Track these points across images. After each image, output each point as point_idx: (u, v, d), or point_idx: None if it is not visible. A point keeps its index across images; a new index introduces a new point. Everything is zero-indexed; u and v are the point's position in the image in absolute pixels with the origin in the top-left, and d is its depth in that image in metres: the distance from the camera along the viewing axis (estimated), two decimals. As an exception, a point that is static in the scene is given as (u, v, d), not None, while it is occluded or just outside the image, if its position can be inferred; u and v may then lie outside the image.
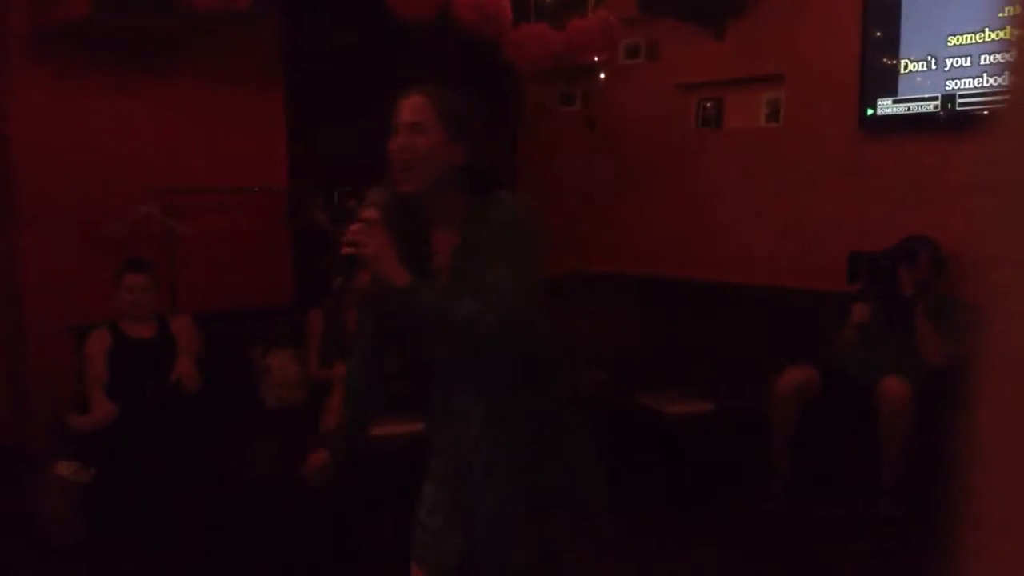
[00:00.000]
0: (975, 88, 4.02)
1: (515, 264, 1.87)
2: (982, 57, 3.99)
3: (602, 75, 5.30)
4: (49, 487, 3.22)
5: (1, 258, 4.18)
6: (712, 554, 3.56)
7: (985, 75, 3.98)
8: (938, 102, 4.13)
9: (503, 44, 4.69)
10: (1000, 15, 3.91)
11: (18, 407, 4.17)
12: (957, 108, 4.07)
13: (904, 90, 4.25)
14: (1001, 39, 3.92)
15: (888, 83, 4.29)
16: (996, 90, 3.94)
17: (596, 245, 5.53)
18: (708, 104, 5.09)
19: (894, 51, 4.27)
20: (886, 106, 4.31)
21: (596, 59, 5.04)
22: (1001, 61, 3.92)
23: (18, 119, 4.13)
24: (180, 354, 3.63)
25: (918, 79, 4.20)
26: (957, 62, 4.07)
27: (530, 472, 2.00)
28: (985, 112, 3.98)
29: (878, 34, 4.31)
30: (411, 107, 1.94)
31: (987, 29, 3.97)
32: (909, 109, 4.24)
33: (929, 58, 4.16)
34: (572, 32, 4.87)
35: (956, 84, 4.08)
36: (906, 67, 4.24)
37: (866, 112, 4.37)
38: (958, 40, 4.06)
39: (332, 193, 4.82)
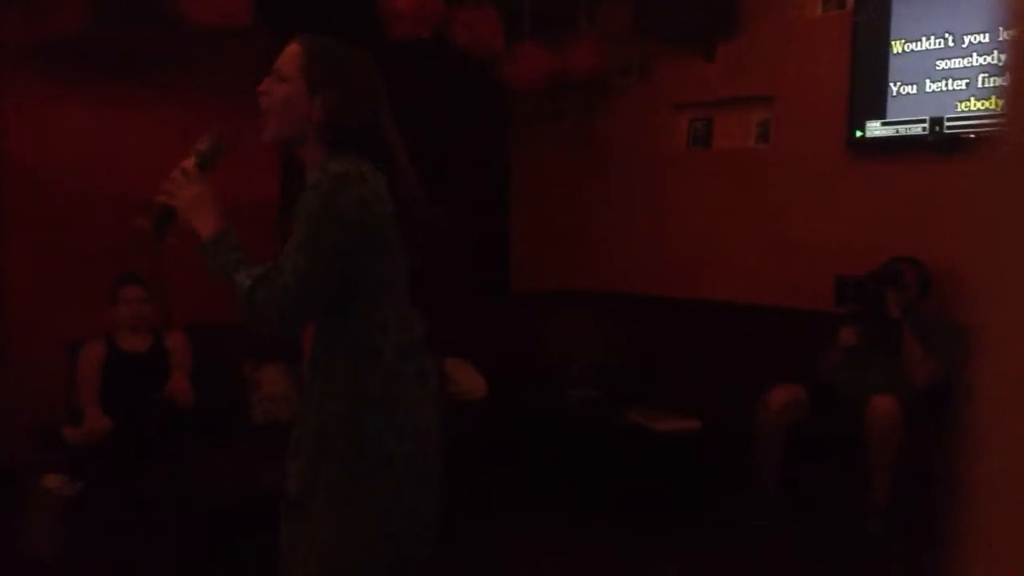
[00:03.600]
0: (963, 111, 4.07)
1: (303, 244, 1.71)
2: (970, 81, 4.04)
3: (594, 95, 5.34)
4: (35, 500, 3.21)
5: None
6: (697, 571, 3.57)
7: (973, 99, 4.03)
8: (926, 125, 4.18)
9: (496, 63, 4.73)
10: (987, 40, 3.98)
11: (7, 421, 4.15)
12: (945, 131, 4.12)
13: (893, 113, 4.29)
14: (989, 63, 3.97)
15: (877, 105, 4.34)
16: (984, 113, 3.99)
17: (586, 262, 5.55)
18: (698, 124, 5.13)
19: (883, 74, 4.32)
20: (874, 128, 4.35)
21: (588, 78, 5.08)
22: (989, 85, 3.97)
23: (10, 132, 4.13)
24: (174, 369, 3.62)
25: (906, 102, 4.25)
26: (945, 85, 4.12)
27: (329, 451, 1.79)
28: (972, 135, 4.03)
29: (867, 56, 4.36)
30: (283, 54, 1.87)
31: (975, 54, 4.03)
32: (897, 131, 4.28)
33: (918, 81, 4.21)
34: (564, 51, 4.91)
35: (944, 107, 4.12)
36: (895, 90, 4.29)
37: (854, 134, 4.42)
38: (947, 64, 4.12)
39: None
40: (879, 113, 4.34)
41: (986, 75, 3.99)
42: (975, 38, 4.02)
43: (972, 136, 4.04)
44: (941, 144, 4.14)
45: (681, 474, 4.05)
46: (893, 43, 4.29)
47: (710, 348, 4.73)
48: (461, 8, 4.41)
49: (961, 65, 4.07)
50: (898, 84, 4.28)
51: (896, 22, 4.27)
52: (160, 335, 3.73)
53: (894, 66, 4.29)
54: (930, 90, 4.18)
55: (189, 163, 1.88)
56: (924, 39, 4.19)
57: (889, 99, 4.31)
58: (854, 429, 3.68)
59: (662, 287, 5.16)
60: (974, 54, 4.03)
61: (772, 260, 4.75)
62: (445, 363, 4.52)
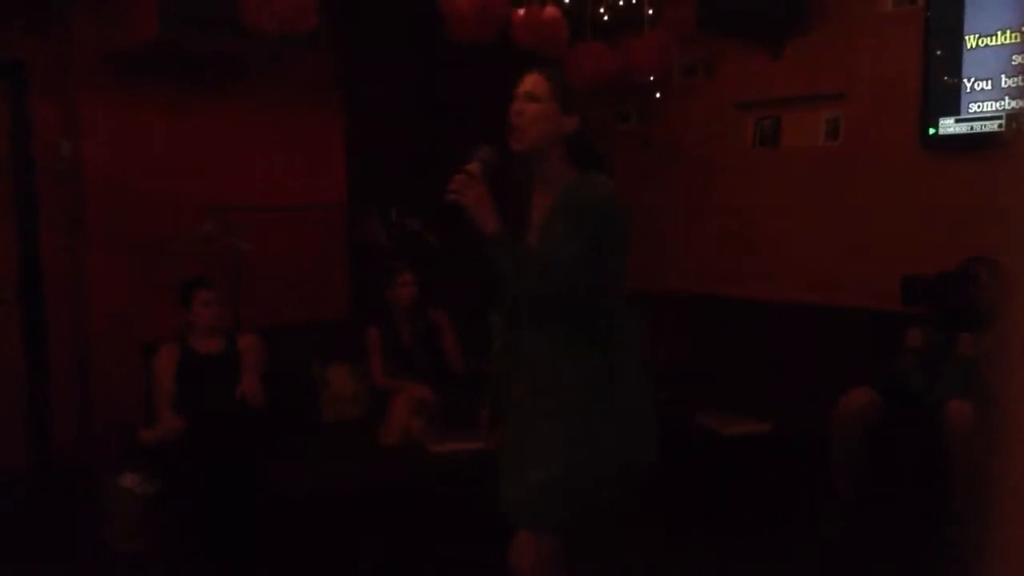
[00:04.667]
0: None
1: (580, 239, 2.08)
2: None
3: (657, 94, 5.30)
4: (116, 499, 3.30)
5: (70, 276, 4.30)
6: (770, 577, 3.52)
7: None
8: (1003, 121, 4.06)
9: (560, 63, 4.72)
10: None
11: (87, 422, 4.27)
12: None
13: (967, 109, 4.19)
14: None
15: (951, 102, 4.24)
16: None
17: (653, 263, 5.51)
18: (766, 123, 5.06)
19: (957, 70, 4.21)
20: (948, 125, 4.25)
21: (652, 78, 5.05)
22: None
23: (88, 140, 4.25)
24: (245, 371, 3.69)
25: (982, 98, 4.14)
26: (1022, 81, 4.01)
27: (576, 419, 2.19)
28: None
29: (940, 52, 4.26)
30: (530, 81, 2.21)
31: (1053, 47, 3.91)
32: (972, 128, 4.18)
33: (993, 76, 4.10)
34: (628, 51, 4.88)
35: (1021, 103, 4.01)
36: (969, 86, 4.18)
37: (928, 131, 4.32)
38: (1023, 58, 4.00)
39: (390, 211, 4.88)
40: (953, 110, 4.23)
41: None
42: (1054, 31, 3.91)
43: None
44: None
45: (752, 478, 3.99)
46: (967, 38, 4.18)
47: (779, 349, 4.66)
48: (524, 9, 4.41)
49: (1039, 60, 3.96)
50: (972, 80, 4.17)
51: (970, 16, 4.17)
52: (233, 337, 3.80)
53: (968, 61, 4.19)
54: (1006, 86, 4.06)
55: (473, 167, 2.14)
56: (1000, 33, 4.08)
57: (963, 95, 4.20)
58: (932, 433, 3.59)
59: (729, 288, 5.11)
60: (1053, 48, 3.91)
61: (843, 260, 4.66)
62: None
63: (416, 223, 4.83)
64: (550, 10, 4.48)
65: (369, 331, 4.25)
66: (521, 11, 4.41)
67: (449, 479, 3.58)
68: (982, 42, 4.13)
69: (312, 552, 3.27)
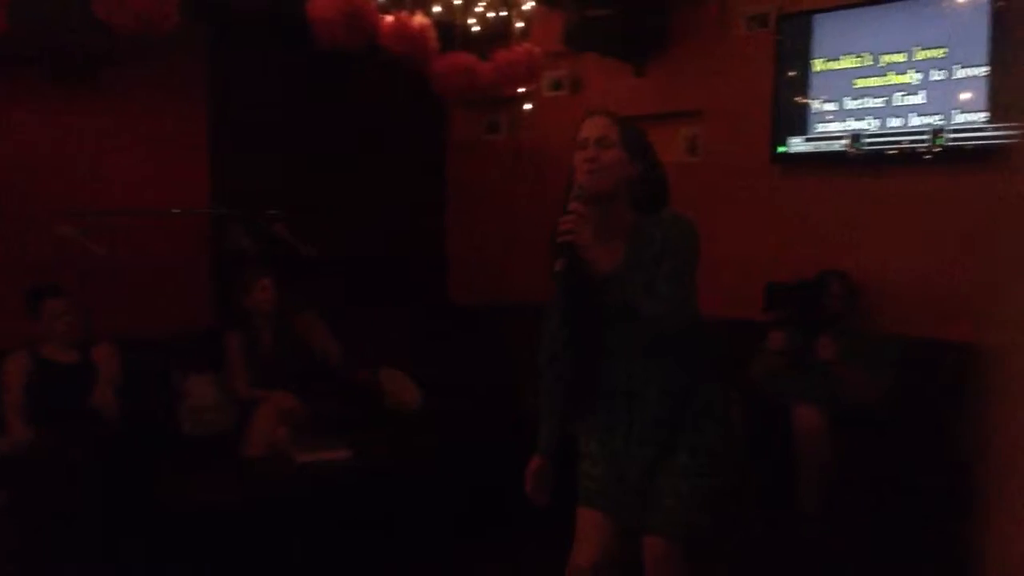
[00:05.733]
0: (880, 128, 4.23)
1: (686, 275, 2.21)
2: (887, 98, 4.20)
3: (528, 105, 5.40)
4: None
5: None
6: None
7: (890, 116, 4.19)
8: (846, 141, 4.32)
9: (429, 73, 4.74)
10: (903, 59, 4.14)
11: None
12: (864, 147, 4.27)
13: (814, 129, 4.44)
14: (905, 82, 4.14)
15: (799, 122, 4.48)
16: (901, 130, 4.15)
17: (522, 274, 5.58)
18: (630, 137, 5.21)
19: (804, 91, 4.47)
20: (797, 144, 4.49)
21: (521, 90, 5.13)
22: (905, 103, 4.14)
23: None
24: (100, 382, 3.55)
25: (827, 119, 4.40)
26: (864, 103, 4.28)
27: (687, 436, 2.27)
28: (891, 151, 4.18)
29: (790, 75, 4.50)
30: (598, 124, 2.23)
31: (892, 72, 4.18)
32: (819, 147, 4.43)
33: (838, 98, 4.36)
34: (497, 63, 4.95)
35: (863, 124, 4.28)
36: (816, 107, 4.43)
37: (777, 149, 4.55)
38: (864, 82, 4.27)
39: (256, 216, 4.77)
40: (801, 129, 4.48)
41: (902, 93, 4.15)
42: (892, 58, 4.19)
43: (890, 152, 4.19)
44: (861, 159, 4.29)
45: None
46: (814, 61, 4.43)
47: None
48: (393, 17, 4.41)
49: (878, 83, 4.23)
50: (819, 101, 4.43)
51: (817, 41, 4.42)
52: (87, 347, 3.65)
53: (815, 83, 4.44)
54: (849, 107, 4.33)
55: (578, 206, 2.13)
56: (843, 57, 4.34)
57: (810, 115, 4.46)
58: (784, 436, 3.76)
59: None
60: (891, 73, 4.19)
61: (702, 271, 4.83)
62: (380, 374, 4.50)
63: (284, 229, 4.75)
64: (419, 19, 4.49)
65: (229, 340, 4.15)
66: (390, 19, 4.41)
67: (316, 489, 3.53)
68: (828, 66, 4.39)
69: (173, 568, 3.17)
